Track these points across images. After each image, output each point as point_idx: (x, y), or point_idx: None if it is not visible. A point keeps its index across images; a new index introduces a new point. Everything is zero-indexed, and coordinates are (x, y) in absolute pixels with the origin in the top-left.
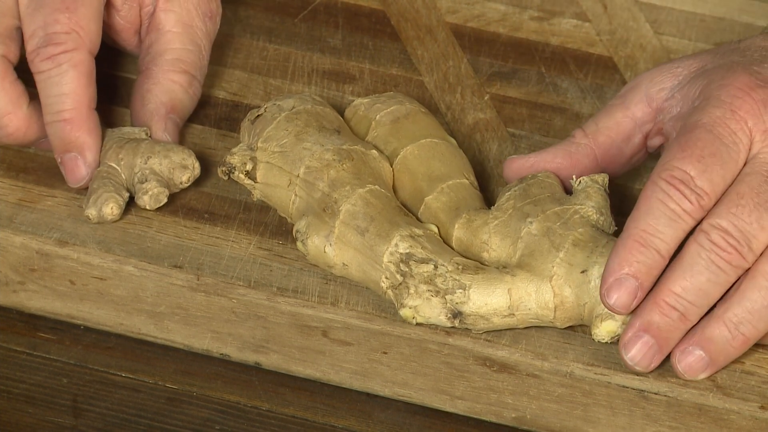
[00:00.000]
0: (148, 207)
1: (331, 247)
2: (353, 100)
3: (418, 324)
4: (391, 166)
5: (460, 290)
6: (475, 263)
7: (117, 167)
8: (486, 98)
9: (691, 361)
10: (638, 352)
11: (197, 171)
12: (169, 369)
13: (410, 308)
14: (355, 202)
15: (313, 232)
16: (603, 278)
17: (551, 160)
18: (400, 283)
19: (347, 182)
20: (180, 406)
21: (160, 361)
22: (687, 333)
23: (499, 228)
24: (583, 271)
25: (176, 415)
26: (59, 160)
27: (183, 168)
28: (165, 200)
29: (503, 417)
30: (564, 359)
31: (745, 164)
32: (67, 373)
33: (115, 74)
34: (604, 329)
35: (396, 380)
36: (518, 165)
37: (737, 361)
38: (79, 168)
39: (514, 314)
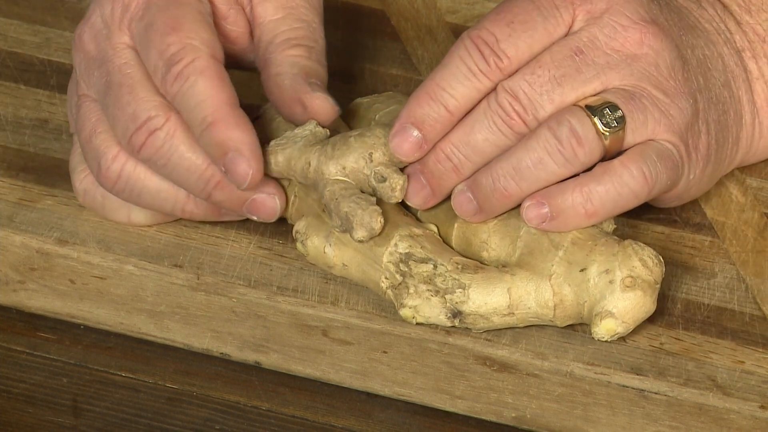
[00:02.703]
0: (400, 198)
1: (330, 247)
2: (353, 100)
3: (418, 324)
4: None
5: (460, 290)
6: (475, 263)
7: (344, 178)
8: None
9: (461, 199)
10: (413, 191)
11: None
12: (169, 369)
13: (410, 308)
14: None
15: (312, 232)
16: (393, 126)
17: None
18: (400, 283)
19: None
20: (180, 406)
21: (160, 360)
22: None
23: (498, 227)
24: (582, 270)
25: (176, 415)
26: (222, 169)
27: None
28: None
29: (503, 416)
30: (564, 359)
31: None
32: (67, 373)
33: None
34: (604, 328)
35: (396, 380)
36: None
37: (737, 360)
38: (239, 166)
39: (513, 313)
